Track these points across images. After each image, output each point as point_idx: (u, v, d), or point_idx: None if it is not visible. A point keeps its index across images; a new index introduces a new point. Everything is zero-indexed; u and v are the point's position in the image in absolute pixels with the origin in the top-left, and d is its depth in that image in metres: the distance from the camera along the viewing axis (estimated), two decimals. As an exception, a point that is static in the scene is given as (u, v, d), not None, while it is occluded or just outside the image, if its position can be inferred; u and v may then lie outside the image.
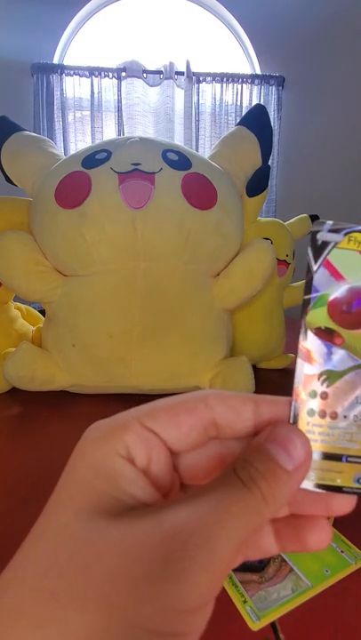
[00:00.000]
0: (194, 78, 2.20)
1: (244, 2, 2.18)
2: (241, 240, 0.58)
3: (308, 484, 0.14)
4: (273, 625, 0.21)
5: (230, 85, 2.24)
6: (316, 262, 0.15)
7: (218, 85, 2.23)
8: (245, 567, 0.25)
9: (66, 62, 2.19)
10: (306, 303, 0.15)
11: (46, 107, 2.13)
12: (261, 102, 2.19)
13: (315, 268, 0.15)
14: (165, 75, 2.18)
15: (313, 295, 0.15)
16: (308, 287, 0.15)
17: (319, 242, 0.15)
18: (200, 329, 0.54)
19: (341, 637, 0.17)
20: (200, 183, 0.53)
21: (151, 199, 0.50)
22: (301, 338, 0.15)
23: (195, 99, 2.22)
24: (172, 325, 0.52)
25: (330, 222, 0.15)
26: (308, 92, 2.29)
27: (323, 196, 2.34)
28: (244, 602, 0.22)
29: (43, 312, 0.61)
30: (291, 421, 0.15)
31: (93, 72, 2.14)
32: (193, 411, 0.15)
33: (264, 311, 0.68)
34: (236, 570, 0.25)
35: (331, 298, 0.15)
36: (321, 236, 0.15)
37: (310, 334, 0.15)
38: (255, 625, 0.21)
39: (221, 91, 2.24)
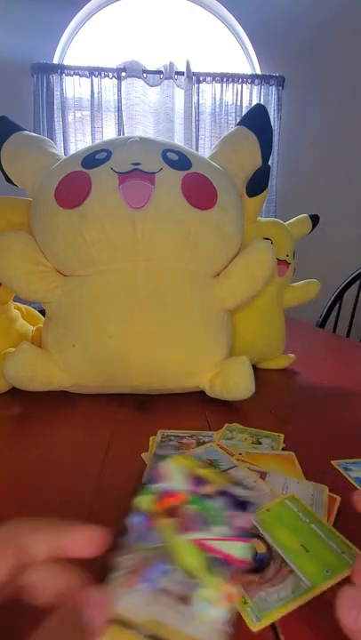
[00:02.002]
0: (194, 78, 2.20)
1: (244, 2, 2.18)
2: (241, 240, 0.58)
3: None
4: (273, 626, 0.21)
5: (230, 85, 2.24)
6: (155, 465, 0.22)
7: (218, 85, 2.23)
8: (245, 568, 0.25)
9: (66, 62, 2.20)
10: (139, 488, 0.21)
11: (46, 107, 2.13)
12: (261, 102, 2.19)
13: (155, 465, 0.22)
14: (165, 75, 2.18)
15: (147, 485, 0.21)
16: (146, 479, 0.21)
17: (160, 455, 0.23)
18: (200, 329, 0.54)
19: (341, 638, 0.17)
20: (200, 183, 0.53)
21: (151, 199, 0.50)
22: (127, 515, 0.20)
23: (195, 99, 2.22)
24: (172, 325, 0.52)
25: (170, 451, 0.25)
26: (308, 91, 2.30)
27: (323, 196, 2.34)
28: (244, 602, 0.22)
29: (43, 312, 0.61)
30: None
31: (93, 72, 2.14)
32: None
33: (264, 311, 0.68)
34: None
35: (159, 491, 0.21)
36: (161, 452, 0.24)
37: (135, 512, 0.20)
38: (255, 625, 0.21)
39: (221, 91, 2.24)
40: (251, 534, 0.20)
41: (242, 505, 0.20)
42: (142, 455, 0.38)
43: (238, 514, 0.20)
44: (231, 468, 0.36)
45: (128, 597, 0.17)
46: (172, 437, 0.42)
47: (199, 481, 0.21)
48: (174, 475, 0.21)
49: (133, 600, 0.17)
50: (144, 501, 0.20)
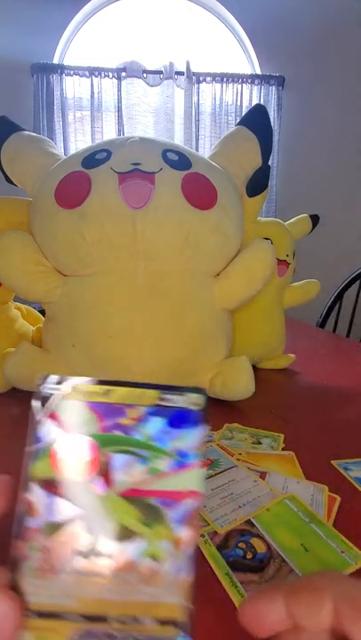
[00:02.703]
0: (194, 78, 2.20)
1: (244, 2, 2.18)
2: (241, 240, 0.58)
3: None
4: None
5: (230, 85, 2.24)
6: (40, 413, 0.16)
7: (218, 85, 2.23)
8: (245, 567, 0.25)
9: (66, 62, 2.20)
10: (30, 455, 0.16)
11: (46, 107, 2.12)
12: (261, 102, 2.19)
13: (39, 418, 0.16)
14: (165, 75, 2.18)
15: (37, 446, 0.15)
16: (32, 438, 0.16)
17: (44, 393, 0.16)
18: (200, 329, 0.54)
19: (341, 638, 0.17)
20: (200, 183, 0.53)
21: (151, 199, 0.50)
22: (25, 491, 0.15)
23: (195, 99, 2.22)
24: (172, 325, 0.52)
25: (54, 376, 0.16)
26: (308, 91, 2.29)
27: (323, 196, 2.34)
28: (244, 602, 0.22)
29: (43, 312, 0.61)
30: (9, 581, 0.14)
31: (93, 72, 2.14)
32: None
33: (264, 311, 0.68)
34: (236, 570, 0.25)
35: (54, 447, 0.15)
36: (46, 388, 0.16)
37: (34, 486, 0.15)
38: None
39: (221, 91, 2.23)
40: (200, 454, 0.15)
41: (184, 418, 0.16)
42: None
43: (181, 432, 0.16)
44: (231, 467, 0.36)
45: (47, 587, 0.14)
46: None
47: (111, 411, 0.16)
48: (70, 417, 0.16)
49: (55, 587, 0.14)
50: (40, 468, 0.15)
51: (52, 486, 0.15)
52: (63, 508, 0.15)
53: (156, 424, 0.16)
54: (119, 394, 0.16)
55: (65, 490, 0.15)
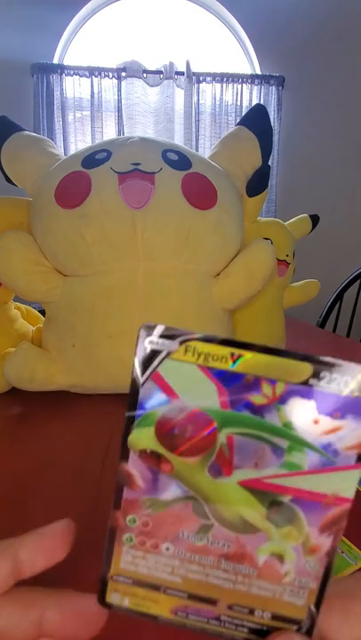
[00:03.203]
0: (194, 78, 2.20)
1: (244, 2, 2.18)
2: (241, 240, 0.58)
3: (121, 603, 0.14)
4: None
5: (230, 85, 2.24)
6: (143, 374, 0.13)
7: (218, 85, 2.23)
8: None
9: (66, 62, 2.19)
10: (129, 421, 0.13)
11: (46, 107, 2.12)
12: (261, 102, 2.19)
13: (141, 380, 0.13)
14: (165, 75, 2.18)
15: (138, 412, 0.13)
16: (133, 403, 0.13)
17: (148, 349, 0.13)
18: (200, 329, 0.53)
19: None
20: (200, 183, 0.53)
21: (151, 199, 0.50)
22: (122, 459, 0.13)
23: (195, 99, 2.22)
24: (172, 325, 0.52)
25: (162, 326, 0.13)
26: (308, 92, 2.29)
27: (323, 196, 2.34)
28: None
29: (43, 312, 0.61)
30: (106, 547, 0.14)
31: (93, 72, 2.14)
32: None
33: (264, 311, 0.68)
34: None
35: (159, 417, 0.13)
36: (150, 343, 0.13)
37: (133, 456, 0.13)
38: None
39: (221, 91, 2.23)
40: (358, 456, 0.12)
41: (343, 407, 0.12)
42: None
43: (337, 424, 0.12)
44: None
45: (148, 559, 0.14)
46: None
47: (239, 383, 0.13)
48: (181, 383, 0.13)
49: (157, 561, 0.14)
50: (140, 438, 0.13)
51: (154, 460, 0.13)
52: (168, 487, 0.13)
53: (302, 408, 0.12)
54: (254, 362, 0.12)
55: (171, 467, 0.13)
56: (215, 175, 0.55)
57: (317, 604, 0.13)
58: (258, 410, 0.12)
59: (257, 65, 2.26)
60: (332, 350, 0.97)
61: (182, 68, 2.18)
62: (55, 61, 2.16)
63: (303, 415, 0.12)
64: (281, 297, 0.72)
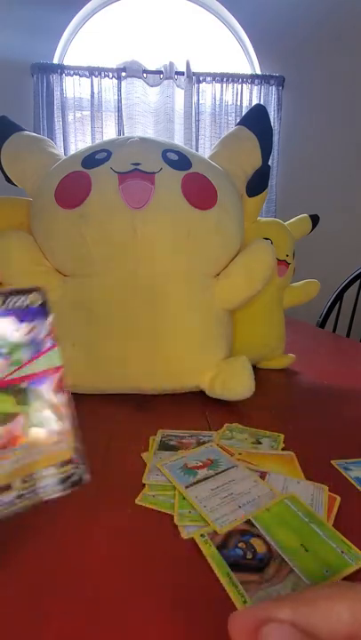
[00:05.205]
0: (194, 78, 2.20)
1: (244, 2, 2.18)
2: (241, 240, 0.58)
3: None
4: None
5: (230, 85, 2.24)
6: None
7: (218, 85, 2.23)
8: (245, 567, 0.25)
9: (66, 62, 2.20)
10: None
11: (46, 107, 2.13)
12: (261, 102, 2.19)
13: None
14: (165, 75, 2.18)
15: None
16: None
17: None
18: (200, 329, 0.54)
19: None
20: (200, 183, 0.53)
21: (151, 199, 0.50)
22: None
23: (195, 99, 2.22)
24: (172, 325, 0.52)
25: None
26: (308, 91, 2.30)
27: (323, 196, 2.34)
28: (245, 602, 0.22)
29: (43, 312, 0.61)
30: None
31: (93, 72, 2.14)
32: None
33: (264, 311, 0.68)
34: (236, 570, 0.25)
35: None
36: None
37: None
38: (255, 625, 0.21)
39: (221, 91, 2.23)
40: (52, 339, 0.18)
41: (30, 315, 0.18)
42: (142, 455, 0.38)
43: (31, 326, 0.18)
44: (231, 467, 0.36)
45: None
46: (172, 437, 0.42)
47: None
48: None
49: None
50: None
51: None
52: None
53: (6, 324, 0.18)
54: None
55: None
56: (215, 175, 0.55)
57: (77, 439, 0.18)
58: None
59: (257, 65, 2.26)
60: (332, 350, 0.97)
61: (182, 68, 2.18)
62: (55, 61, 2.17)
63: (9, 327, 0.18)
64: (281, 297, 0.72)
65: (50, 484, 0.18)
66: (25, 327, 0.18)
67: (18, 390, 0.17)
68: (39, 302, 0.18)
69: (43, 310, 0.18)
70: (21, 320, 0.18)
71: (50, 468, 0.18)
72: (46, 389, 0.18)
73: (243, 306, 0.59)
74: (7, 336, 0.18)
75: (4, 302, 0.18)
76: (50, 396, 0.18)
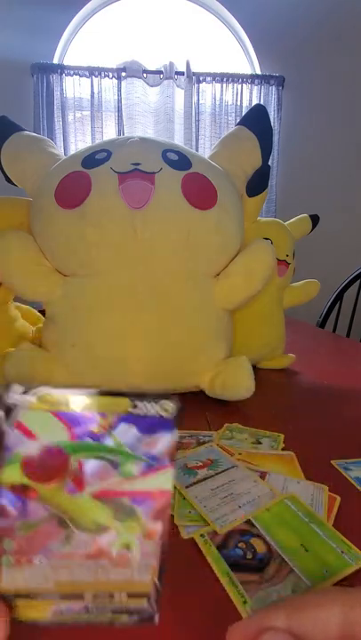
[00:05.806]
0: (194, 78, 2.20)
1: (244, 2, 2.18)
2: (241, 240, 0.58)
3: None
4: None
5: (230, 85, 2.24)
6: (8, 423, 0.16)
7: (218, 85, 2.23)
8: (245, 567, 0.25)
9: (66, 62, 2.19)
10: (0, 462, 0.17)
11: (46, 107, 2.12)
12: (261, 102, 2.19)
13: (7, 429, 0.16)
14: (165, 75, 2.18)
15: (6, 454, 0.16)
16: (1, 446, 0.16)
17: (9, 403, 0.16)
18: (200, 329, 0.54)
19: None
20: (200, 183, 0.53)
21: (151, 199, 0.50)
22: None
23: (195, 99, 2.22)
24: (172, 325, 0.52)
25: (19, 386, 0.16)
26: (308, 92, 2.29)
27: (323, 196, 2.34)
28: (244, 602, 0.22)
29: (43, 312, 0.61)
30: None
31: (93, 72, 2.14)
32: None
33: (264, 311, 0.68)
34: (236, 570, 0.25)
35: (24, 455, 0.16)
36: (10, 398, 0.16)
37: (4, 491, 0.16)
38: (255, 625, 0.21)
39: (221, 91, 2.23)
40: (170, 457, 0.17)
41: (155, 425, 0.17)
42: (142, 455, 0.38)
43: (152, 438, 0.17)
44: (231, 467, 0.36)
45: (24, 573, 0.16)
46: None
47: (80, 419, 0.17)
48: (38, 426, 0.16)
49: (31, 573, 0.16)
50: (9, 474, 0.16)
51: (23, 491, 0.16)
52: (36, 509, 0.16)
53: (127, 431, 0.17)
54: (90, 403, 0.17)
55: (37, 493, 0.16)
56: (215, 175, 0.55)
57: (160, 577, 0.17)
58: (97, 437, 0.16)
59: (257, 65, 2.26)
60: (332, 350, 0.97)
61: (182, 68, 2.18)
62: (55, 61, 2.16)
63: (129, 435, 0.17)
64: (281, 297, 0.72)
65: (120, 610, 0.17)
66: (147, 438, 0.17)
67: (117, 504, 0.17)
68: (170, 414, 0.17)
69: (171, 423, 0.17)
70: (145, 430, 0.17)
71: (124, 593, 0.17)
72: (146, 511, 0.17)
73: (243, 306, 0.59)
74: (125, 444, 0.17)
75: (135, 406, 0.17)
76: (148, 520, 0.17)
